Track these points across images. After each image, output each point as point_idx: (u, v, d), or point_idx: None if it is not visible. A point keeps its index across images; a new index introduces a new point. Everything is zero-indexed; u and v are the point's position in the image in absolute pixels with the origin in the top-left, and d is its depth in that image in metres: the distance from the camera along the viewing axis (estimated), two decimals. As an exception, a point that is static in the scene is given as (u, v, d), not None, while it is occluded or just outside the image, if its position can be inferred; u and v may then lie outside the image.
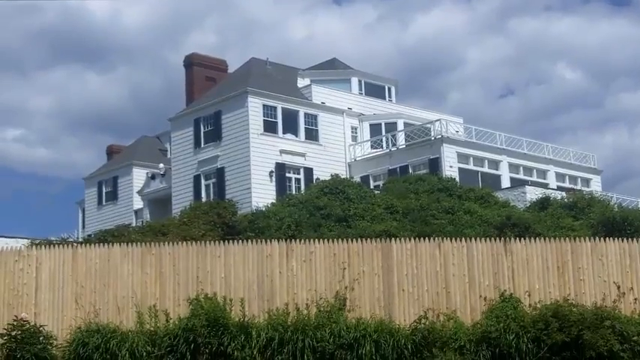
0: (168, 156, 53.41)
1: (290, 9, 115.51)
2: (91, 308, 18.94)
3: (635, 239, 20.09)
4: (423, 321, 18.25)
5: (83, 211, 60.02)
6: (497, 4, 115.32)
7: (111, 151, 64.70)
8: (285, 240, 20.59)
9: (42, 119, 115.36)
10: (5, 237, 32.25)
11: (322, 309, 18.48)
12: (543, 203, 36.56)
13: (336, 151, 49.14)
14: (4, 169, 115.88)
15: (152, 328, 18.34)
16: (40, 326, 18.44)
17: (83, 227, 58.23)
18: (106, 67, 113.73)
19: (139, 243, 20.60)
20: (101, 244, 20.75)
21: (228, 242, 20.22)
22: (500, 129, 50.24)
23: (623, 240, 20.05)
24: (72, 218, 64.54)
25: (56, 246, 20.44)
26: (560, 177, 50.86)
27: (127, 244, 20.12)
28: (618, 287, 19.23)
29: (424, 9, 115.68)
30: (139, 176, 55.27)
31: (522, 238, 20.11)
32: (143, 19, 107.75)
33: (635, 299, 19.20)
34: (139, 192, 54.11)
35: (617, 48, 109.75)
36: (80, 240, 38.88)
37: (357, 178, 44.82)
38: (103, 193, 57.58)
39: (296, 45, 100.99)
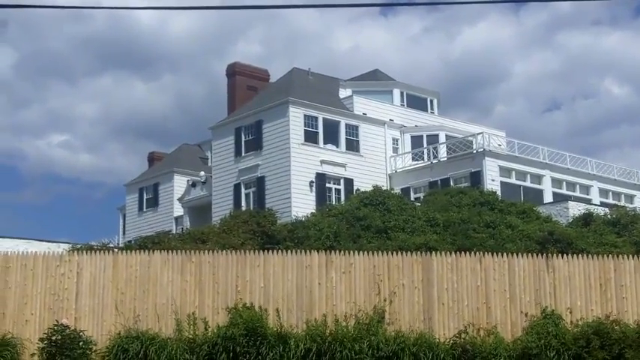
0: (209, 164, 53.64)
1: (336, 20, 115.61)
2: (130, 314, 19.03)
3: (680, 258, 19.79)
4: (462, 335, 18.17)
5: (124, 217, 60.48)
6: (545, 18, 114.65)
7: (152, 158, 65.10)
8: (325, 251, 20.53)
9: (87, 125, 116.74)
10: (47, 241, 32.52)
11: (361, 321, 18.42)
12: (586, 219, 36.14)
13: (377, 162, 49.01)
14: (49, 175, 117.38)
15: (191, 336, 18.40)
16: (80, 331, 18.54)
17: (124, 233, 58.64)
18: (152, 75, 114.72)
19: (179, 251, 20.61)
20: (142, 250, 20.81)
21: (268, 252, 20.20)
22: (546, 143, 49.81)
23: (667, 258, 19.77)
24: (113, 224, 65.14)
25: (97, 252, 20.54)
26: (603, 193, 50.26)
27: (168, 252, 20.15)
28: (662, 306, 18.98)
29: (471, 22, 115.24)
30: (179, 183, 55.61)
31: (565, 255, 19.91)
32: (190, 28, 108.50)
33: (680, 319, 18.91)
34: (179, 199, 54.41)
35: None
36: (120, 245, 39.17)
37: (397, 190, 44.62)
38: (144, 200, 57.97)
39: (341, 56, 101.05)
